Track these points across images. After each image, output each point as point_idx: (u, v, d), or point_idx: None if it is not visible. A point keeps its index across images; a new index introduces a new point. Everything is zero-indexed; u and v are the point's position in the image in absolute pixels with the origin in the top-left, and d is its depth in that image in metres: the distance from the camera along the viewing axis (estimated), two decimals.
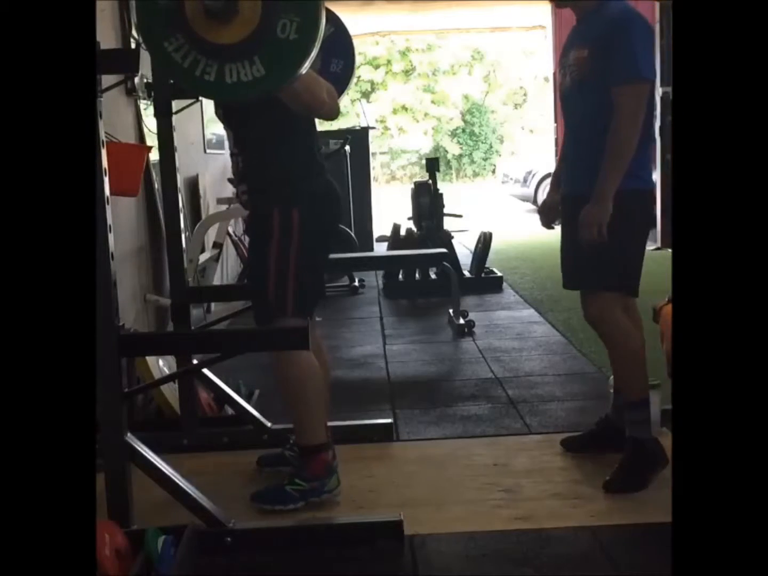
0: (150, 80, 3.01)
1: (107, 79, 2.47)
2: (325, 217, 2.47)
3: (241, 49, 1.91)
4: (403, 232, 6.26)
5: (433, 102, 22.21)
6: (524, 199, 12.36)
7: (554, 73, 10.68)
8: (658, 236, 7.91)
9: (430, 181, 6.20)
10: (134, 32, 3.94)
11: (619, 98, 2.34)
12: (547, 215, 2.82)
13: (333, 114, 2.43)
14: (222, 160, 6.17)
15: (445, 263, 4.92)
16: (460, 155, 22.69)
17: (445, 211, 6.22)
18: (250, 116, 2.37)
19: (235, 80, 1.93)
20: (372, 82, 21.41)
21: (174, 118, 2.88)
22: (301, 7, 1.91)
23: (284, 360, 2.39)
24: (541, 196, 12.61)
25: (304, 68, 1.97)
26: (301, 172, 2.41)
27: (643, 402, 2.57)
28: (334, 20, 2.77)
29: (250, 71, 1.93)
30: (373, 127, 8.91)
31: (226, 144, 2.51)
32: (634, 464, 2.51)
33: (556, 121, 10.71)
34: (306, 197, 2.39)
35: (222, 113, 2.47)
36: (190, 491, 2.20)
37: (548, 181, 12.67)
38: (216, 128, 5.85)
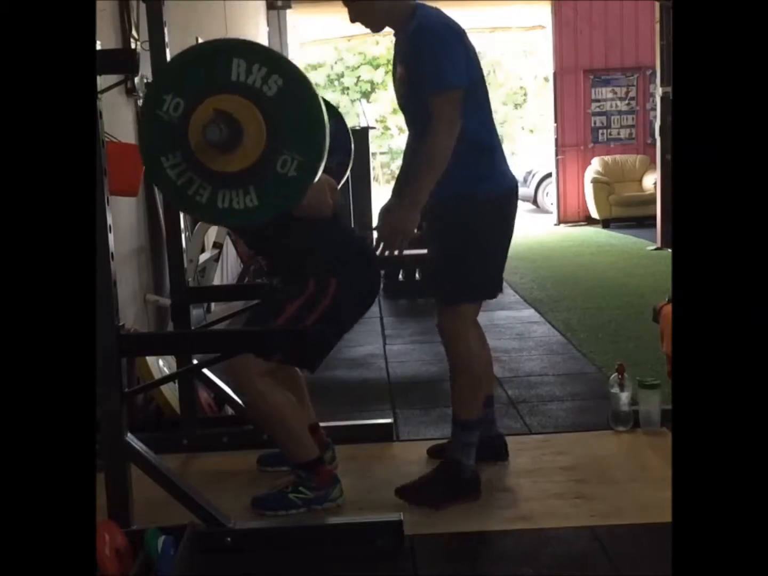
0: (150, 80, 3.01)
1: (107, 79, 2.47)
2: (363, 289, 2.48)
3: (238, 178, 1.93)
4: None
5: None
6: (524, 199, 12.35)
7: (554, 73, 10.69)
8: (658, 236, 7.91)
9: None
10: (134, 32, 3.93)
11: (431, 109, 2.29)
12: None
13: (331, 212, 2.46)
14: None
15: None
16: None
17: None
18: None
19: (226, 206, 1.95)
20: (372, 82, 21.39)
21: None
22: (305, 146, 1.92)
23: (243, 388, 2.38)
24: (541, 197, 12.63)
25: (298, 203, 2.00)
26: (331, 249, 2.41)
27: (470, 424, 2.48)
28: (335, 115, 2.77)
29: (243, 200, 1.94)
30: (373, 127, 8.90)
31: None
32: (434, 486, 2.44)
33: (556, 121, 10.72)
34: (344, 268, 2.39)
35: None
36: (190, 491, 2.20)
37: (548, 181, 12.57)
38: None
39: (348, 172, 2.97)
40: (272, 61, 1.95)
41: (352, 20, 2.44)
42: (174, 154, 1.94)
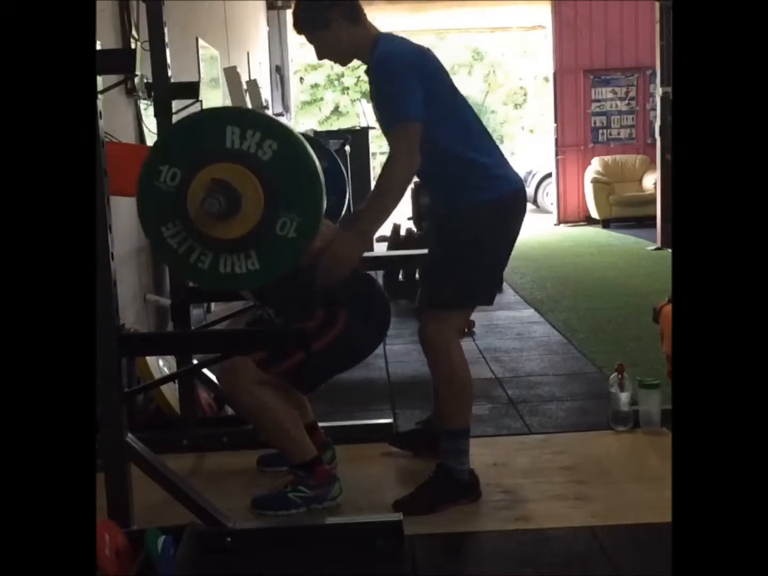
0: (150, 80, 3.01)
1: (107, 79, 2.47)
2: (370, 328, 2.49)
3: (239, 244, 1.95)
4: (403, 232, 6.26)
5: None
6: None
7: (554, 73, 10.69)
8: (658, 236, 7.91)
9: None
10: (134, 32, 3.93)
11: (389, 141, 2.31)
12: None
13: None
14: None
15: None
16: None
17: None
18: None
19: (228, 271, 1.98)
20: None
21: (174, 118, 2.87)
22: (303, 207, 1.95)
23: (237, 392, 2.38)
24: (542, 197, 12.63)
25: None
26: (337, 286, 2.38)
27: (462, 432, 2.49)
28: (328, 156, 2.77)
29: (245, 264, 1.97)
30: (373, 127, 8.88)
31: None
32: (431, 490, 2.44)
33: (556, 121, 10.72)
34: (351, 305, 2.39)
35: None
36: (190, 491, 2.20)
37: (548, 181, 12.58)
38: None
39: (344, 209, 2.98)
40: (266, 125, 1.97)
41: (319, 57, 2.44)
42: (174, 223, 1.97)
